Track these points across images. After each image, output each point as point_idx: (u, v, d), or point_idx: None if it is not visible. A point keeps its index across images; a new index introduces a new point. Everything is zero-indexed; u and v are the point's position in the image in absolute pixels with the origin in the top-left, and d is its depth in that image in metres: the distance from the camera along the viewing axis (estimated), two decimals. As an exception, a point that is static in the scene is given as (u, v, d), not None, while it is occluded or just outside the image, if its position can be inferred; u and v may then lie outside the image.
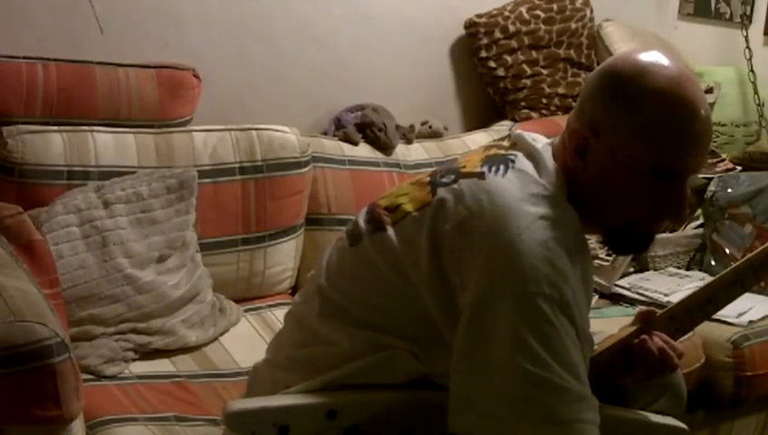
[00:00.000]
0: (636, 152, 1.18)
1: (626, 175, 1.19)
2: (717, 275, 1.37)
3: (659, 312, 1.37)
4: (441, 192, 1.20)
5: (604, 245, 1.31)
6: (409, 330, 1.20)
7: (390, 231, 1.22)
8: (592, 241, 1.38)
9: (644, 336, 1.32)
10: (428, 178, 1.26)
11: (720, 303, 1.36)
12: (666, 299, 2.29)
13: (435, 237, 1.17)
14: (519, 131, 1.30)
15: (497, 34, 2.70)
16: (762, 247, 1.35)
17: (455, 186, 1.19)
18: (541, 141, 1.28)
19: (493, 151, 1.26)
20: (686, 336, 1.44)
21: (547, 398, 1.08)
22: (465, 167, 1.23)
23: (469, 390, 1.11)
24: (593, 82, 1.24)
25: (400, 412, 1.19)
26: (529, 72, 2.77)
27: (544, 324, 1.09)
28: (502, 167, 1.20)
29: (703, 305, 1.36)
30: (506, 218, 1.12)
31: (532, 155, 1.23)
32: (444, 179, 1.22)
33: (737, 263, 1.36)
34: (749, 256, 1.36)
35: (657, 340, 1.32)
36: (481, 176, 1.19)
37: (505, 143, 1.29)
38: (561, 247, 1.12)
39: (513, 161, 1.21)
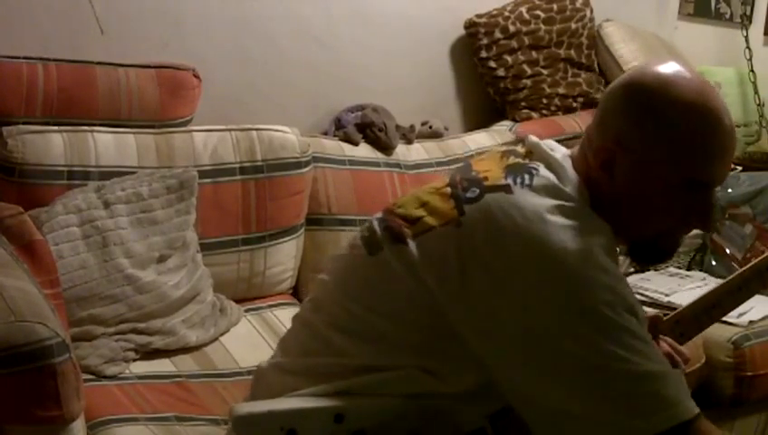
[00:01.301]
0: (666, 164, 1.16)
1: (656, 187, 1.18)
2: (724, 280, 1.38)
3: (665, 316, 1.37)
4: (468, 209, 1.15)
5: (628, 257, 1.29)
6: (425, 342, 1.16)
7: (411, 244, 1.17)
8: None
9: None
10: (450, 190, 1.20)
11: (726, 307, 1.36)
12: (666, 299, 2.29)
13: (465, 257, 1.13)
14: (535, 139, 1.26)
15: (497, 35, 2.70)
16: None
17: (481, 201, 1.15)
18: (559, 151, 1.25)
19: (511, 160, 1.22)
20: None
21: (650, 387, 1.08)
22: (487, 178, 1.19)
23: (563, 413, 1.09)
24: (615, 96, 1.21)
25: (407, 416, 1.18)
26: (529, 72, 2.77)
27: (617, 331, 1.07)
28: (527, 177, 1.16)
29: (709, 310, 1.36)
30: (546, 236, 1.10)
31: (553, 166, 1.20)
32: (468, 194, 1.17)
33: (744, 268, 1.37)
34: (755, 260, 1.36)
35: (664, 344, 1.32)
36: (507, 189, 1.15)
37: (521, 150, 1.26)
38: (604, 252, 1.12)
39: (537, 170, 1.18)
